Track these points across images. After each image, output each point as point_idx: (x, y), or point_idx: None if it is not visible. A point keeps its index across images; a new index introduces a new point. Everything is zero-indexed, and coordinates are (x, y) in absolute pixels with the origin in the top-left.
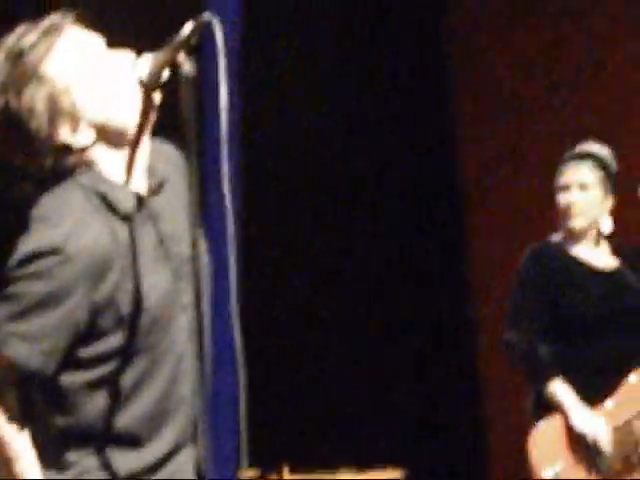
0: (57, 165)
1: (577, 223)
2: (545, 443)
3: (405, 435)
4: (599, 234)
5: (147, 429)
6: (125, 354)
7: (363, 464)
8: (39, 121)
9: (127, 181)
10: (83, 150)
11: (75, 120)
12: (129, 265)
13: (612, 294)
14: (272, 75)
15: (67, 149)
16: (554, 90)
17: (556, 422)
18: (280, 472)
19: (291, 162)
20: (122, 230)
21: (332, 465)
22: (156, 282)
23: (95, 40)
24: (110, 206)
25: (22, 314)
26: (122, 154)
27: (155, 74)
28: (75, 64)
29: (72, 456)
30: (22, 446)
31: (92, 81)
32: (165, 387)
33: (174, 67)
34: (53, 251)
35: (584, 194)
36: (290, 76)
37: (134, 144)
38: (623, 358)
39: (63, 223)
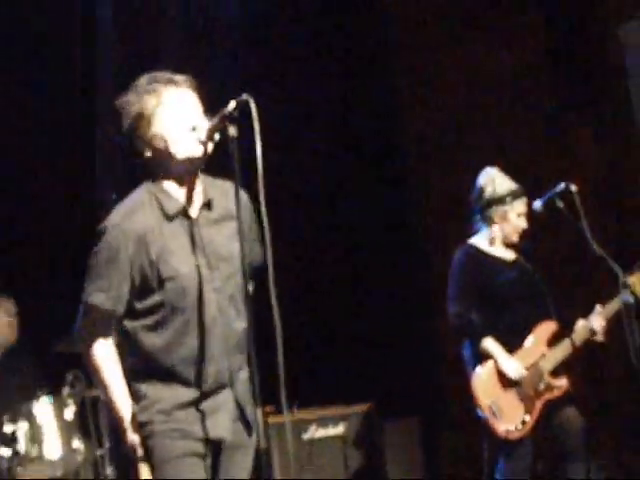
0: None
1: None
2: (483, 382)
3: (372, 374)
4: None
5: (189, 372)
6: (166, 309)
7: (340, 400)
8: (129, 129)
9: (185, 197)
10: (151, 163)
11: (147, 139)
12: (164, 246)
13: (517, 278)
14: None
15: (140, 157)
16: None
17: (489, 366)
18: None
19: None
20: (165, 225)
21: (316, 402)
22: (185, 262)
23: (186, 97)
24: (161, 208)
25: (98, 275)
26: (181, 178)
27: (210, 135)
28: (169, 111)
29: (142, 388)
30: (116, 376)
31: (169, 123)
32: (198, 343)
33: (223, 130)
34: (113, 227)
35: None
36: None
37: (189, 173)
38: (527, 320)
39: (125, 210)
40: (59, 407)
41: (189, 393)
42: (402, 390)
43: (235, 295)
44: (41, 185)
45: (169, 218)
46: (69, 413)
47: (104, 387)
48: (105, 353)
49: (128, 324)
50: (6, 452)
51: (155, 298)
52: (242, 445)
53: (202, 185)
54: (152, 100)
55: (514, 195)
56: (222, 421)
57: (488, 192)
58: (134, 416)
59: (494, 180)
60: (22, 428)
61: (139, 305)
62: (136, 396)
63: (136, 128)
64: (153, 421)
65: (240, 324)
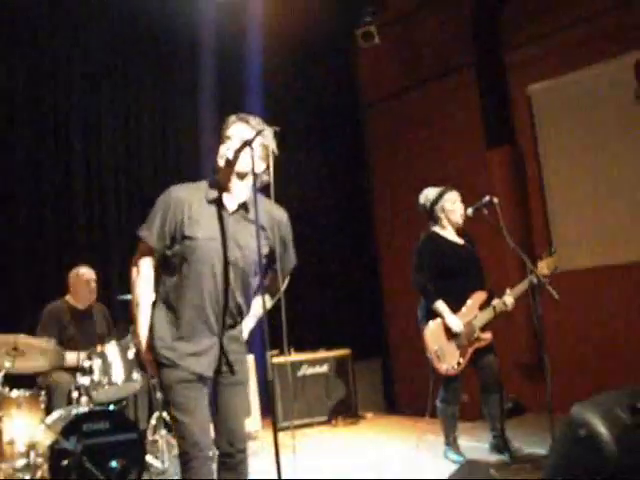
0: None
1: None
2: (433, 333)
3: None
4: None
5: (188, 314)
6: (179, 259)
7: (324, 346)
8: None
9: (222, 190)
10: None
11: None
12: (194, 216)
13: (464, 258)
14: None
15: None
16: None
17: (438, 322)
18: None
19: None
20: (203, 204)
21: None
22: (204, 232)
23: (235, 126)
24: (205, 193)
25: (149, 219)
26: (223, 178)
27: (235, 154)
28: (225, 132)
29: (154, 318)
30: (145, 299)
31: (224, 141)
32: (197, 295)
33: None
34: (168, 192)
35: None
36: None
37: (225, 176)
38: (468, 289)
39: (182, 186)
40: (123, 349)
41: (184, 332)
42: (368, 339)
43: (239, 274)
44: None
45: (208, 201)
46: (130, 354)
47: (135, 304)
48: (143, 280)
49: (160, 265)
50: (85, 381)
51: (175, 248)
52: (233, 383)
53: (247, 194)
54: (223, 126)
55: (442, 192)
56: (204, 362)
57: (426, 202)
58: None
59: (427, 194)
60: (97, 364)
61: (167, 252)
62: (152, 322)
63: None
64: (155, 345)
65: (238, 299)
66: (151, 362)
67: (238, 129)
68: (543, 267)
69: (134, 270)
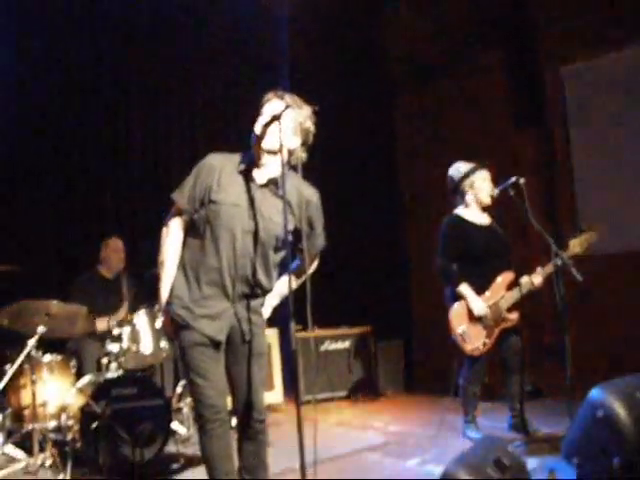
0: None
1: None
2: (457, 315)
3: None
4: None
5: (207, 278)
6: (203, 222)
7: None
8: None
9: (253, 163)
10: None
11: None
12: (223, 184)
13: (489, 239)
14: None
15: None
16: None
17: (462, 304)
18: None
19: None
20: (234, 174)
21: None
22: (230, 200)
23: (273, 103)
24: (237, 164)
25: (184, 184)
26: (256, 152)
27: (263, 128)
28: (263, 108)
29: (176, 279)
30: (171, 260)
31: (260, 117)
32: (217, 259)
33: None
34: (205, 160)
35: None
36: None
37: (257, 150)
38: (494, 271)
39: (218, 154)
40: (152, 318)
41: (200, 294)
42: (391, 319)
43: (259, 245)
44: None
45: (238, 172)
46: (158, 323)
47: (160, 263)
48: (171, 240)
49: (187, 229)
50: (114, 348)
51: (201, 212)
52: (244, 352)
53: (277, 169)
54: (261, 102)
55: (474, 168)
56: (216, 326)
57: (456, 175)
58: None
59: (458, 167)
60: (126, 332)
61: (194, 216)
62: (174, 281)
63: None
64: (172, 303)
65: (256, 269)
66: (168, 322)
67: (272, 106)
68: (575, 245)
69: (164, 230)
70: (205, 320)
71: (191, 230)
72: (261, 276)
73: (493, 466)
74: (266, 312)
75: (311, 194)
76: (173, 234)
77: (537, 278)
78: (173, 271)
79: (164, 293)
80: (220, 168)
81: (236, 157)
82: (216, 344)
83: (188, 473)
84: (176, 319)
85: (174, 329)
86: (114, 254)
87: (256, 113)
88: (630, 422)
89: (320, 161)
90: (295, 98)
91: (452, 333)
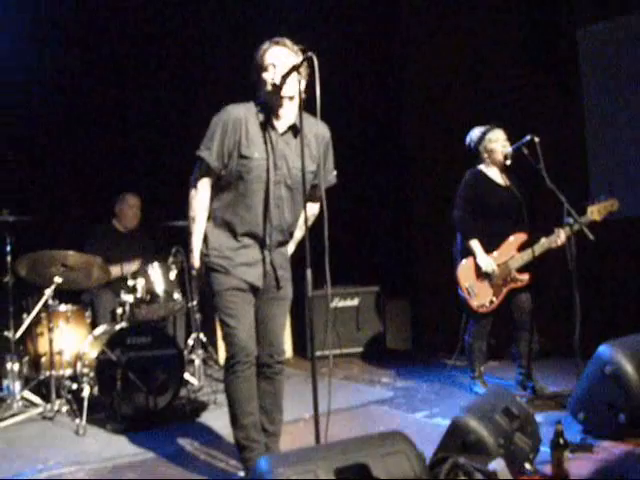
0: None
1: (503, 160)
2: (465, 270)
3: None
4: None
5: (241, 228)
6: (234, 176)
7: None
8: (256, 73)
9: (271, 113)
10: (260, 90)
11: (258, 74)
12: (250, 136)
13: (506, 198)
14: None
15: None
16: None
17: (470, 261)
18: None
19: None
20: (257, 125)
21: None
22: (259, 152)
23: (279, 51)
24: (257, 115)
25: (208, 139)
26: (272, 103)
27: (282, 79)
28: (266, 57)
29: (208, 230)
30: (200, 217)
31: (265, 65)
32: (250, 210)
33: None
34: (224, 110)
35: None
36: None
37: (274, 100)
38: (507, 230)
39: (236, 105)
40: (165, 270)
41: (238, 244)
42: (398, 280)
43: (289, 195)
44: None
45: (260, 124)
46: (172, 275)
47: (191, 219)
48: (198, 195)
49: (214, 183)
50: (130, 298)
51: (232, 166)
52: (278, 298)
53: (295, 115)
54: (263, 50)
55: (488, 130)
56: (254, 272)
57: (471, 141)
58: (201, 249)
59: (471, 134)
60: (140, 283)
61: (223, 172)
62: (205, 234)
63: (255, 66)
64: (209, 254)
65: (287, 215)
66: (202, 272)
67: (278, 53)
68: (594, 211)
69: (193, 190)
70: (244, 267)
71: (219, 184)
72: (292, 223)
73: (502, 414)
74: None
75: (325, 130)
76: (202, 193)
77: (560, 237)
78: (204, 226)
79: (197, 245)
80: (245, 119)
81: (252, 107)
82: (254, 290)
83: (201, 419)
84: (215, 267)
85: (208, 277)
86: (129, 209)
87: (251, 61)
88: (637, 378)
89: (328, 122)
90: (291, 44)
91: (459, 288)
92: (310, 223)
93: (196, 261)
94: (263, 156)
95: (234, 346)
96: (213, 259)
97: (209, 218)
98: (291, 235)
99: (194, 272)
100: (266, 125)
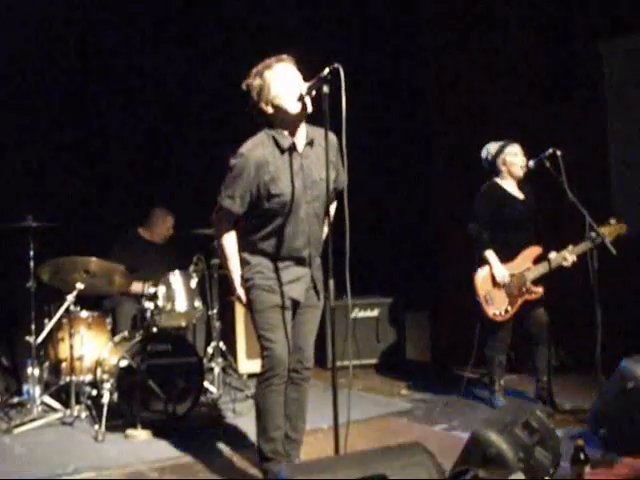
0: (260, 120)
1: (522, 174)
2: (482, 279)
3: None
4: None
5: (281, 252)
6: (269, 214)
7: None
8: (255, 96)
9: (290, 135)
10: (270, 116)
11: (268, 100)
12: (275, 172)
13: (523, 211)
14: None
15: (263, 114)
16: None
17: (486, 270)
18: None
19: None
20: (278, 156)
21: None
22: (288, 184)
23: (289, 69)
24: (277, 144)
25: (229, 186)
26: (291, 124)
27: (308, 91)
28: (277, 78)
29: (247, 257)
30: (233, 252)
31: (281, 87)
32: (289, 236)
33: (319, 89)
34: (241, 155)
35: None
36: None
37: (296, 120)
38: (522, 243)
39: (250, 145)
40: (186, 278)
41: (281, 264)
42: (419, 291)
43: (320, 208)
44: None
45: (282, 151)
46: (193, 283)
47: (225, 259)
48: (228, 237)
49: (244, 221)
50: (150, 306)
51: (264, 207)
52: (312, 305)
53: (305, 129)
54: (268, 73)
55: (504, 145)
56: (299, 288)
57: (488, 154)
58: (242, 276)
59: (488, 147)
60: (161, 290)
61: (253, 211)
62: (243, 262)
63: (260, 93)
64: (253, 277)
65: (320, 229)
66: (244, 298)
67: (283, 70)
68: (605, 232)
69: (218, 232)
70: (290, 285)
71: (253, 221)
72: (323, 233)
73: (522, 428)
74: None
75: (332, 137)
76: (229, 235)
77: (570, 256)
78: (238, 259)
79: (236, 276)
80: (265, 159)
81: (265, 139)
82: (295, 305)
83: (220, 428)
84: (261, 287)
85: (252, 296)
86: (164, 226)
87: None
88: None
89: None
90: (292, 59)
91: (476, 296)
92: (331, 219)
93: (239, 289)
94: (294, 184)
95: (272, 359)
96: (258, 281)
97: (245, 248)
98: (322, 245)
99: (234, 299)
100: (289, 151)
